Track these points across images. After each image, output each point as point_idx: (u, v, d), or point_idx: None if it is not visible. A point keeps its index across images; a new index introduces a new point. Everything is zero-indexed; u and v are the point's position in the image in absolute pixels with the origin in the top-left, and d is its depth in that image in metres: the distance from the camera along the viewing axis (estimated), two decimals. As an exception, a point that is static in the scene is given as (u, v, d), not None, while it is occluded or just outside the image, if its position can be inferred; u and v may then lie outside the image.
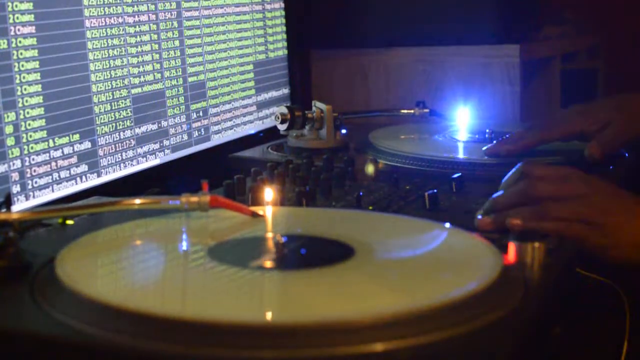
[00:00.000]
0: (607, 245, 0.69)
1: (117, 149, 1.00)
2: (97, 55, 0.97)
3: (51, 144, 0.90)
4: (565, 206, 0.70)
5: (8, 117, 0.85)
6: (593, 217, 0.70)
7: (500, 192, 0.74)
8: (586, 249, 0.70)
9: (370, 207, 0.82)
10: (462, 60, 1.43)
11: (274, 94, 1.34)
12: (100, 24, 0.98)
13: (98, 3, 0.97)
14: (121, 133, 1.01)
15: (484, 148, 1.02)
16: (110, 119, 0.99)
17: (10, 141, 0.85)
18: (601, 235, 0.69)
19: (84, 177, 0.95)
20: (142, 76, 1.04)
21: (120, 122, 1.01)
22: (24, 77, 0.87)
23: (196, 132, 1.15)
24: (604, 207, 0.71)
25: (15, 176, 0.86)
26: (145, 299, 0.55)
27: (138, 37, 1.04)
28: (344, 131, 1.11)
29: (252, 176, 0.92)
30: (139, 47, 1.04)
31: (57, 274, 0.58)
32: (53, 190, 0.91)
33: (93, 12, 0.96)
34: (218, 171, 0.97)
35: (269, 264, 0.62)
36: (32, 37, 0.88)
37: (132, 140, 1.03)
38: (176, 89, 1.11)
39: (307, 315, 0.52)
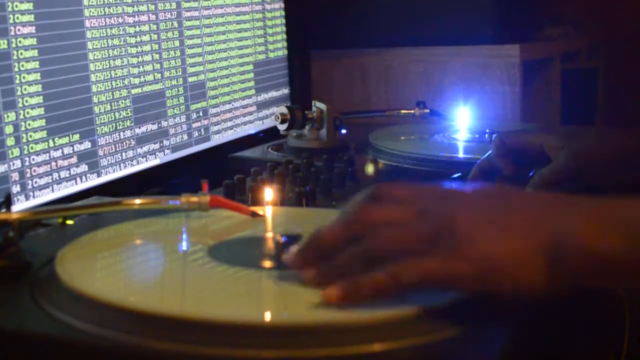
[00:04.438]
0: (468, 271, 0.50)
1: (117, 149, 1.00)
2: (97, 55, 0.97)
3: (51, 144, 0.90)
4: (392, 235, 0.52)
5: (8, 117, 0.85)
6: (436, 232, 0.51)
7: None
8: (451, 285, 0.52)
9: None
10: (462, 60, 1.43)
11: (274, 94, 1.34)
12: (100, 24, 0.98)
13: (98, 3, 0.97)
14: (121, 133, 1.01)
15: None
16: (110, 119, 0.99)
17: (10, 141, 0.85)
18: (437, 256, 0.51)
19: (84, 177, 0.95)
20: (142, 76, 1.04)
21: (120, 122, 1.01)
22: (24, 77, 0.87)
23: (196, 132, 1.15)
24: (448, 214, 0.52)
25: (15, 176, 0.86)
26: (144, 299, 0.55)
27: (138, 37, 1.04)
28: (344, 131, 1.11)
29: (252, 176, 0.92)
30: (139, 47, 1.04)
31: (57, 273, 0.58)
32: (53, 190, 0.91)
33: (93, 12, 0.96)
34: (218, 171, 0.97)
35: (268, 264, 0.62)
36: (32, 37, 0.88)
37: (132, 140, 1.03)
38: (176, 89, 1.11)
39: (307, 315, 0.52)
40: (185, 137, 1.13)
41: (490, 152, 0.88)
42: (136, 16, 1.03)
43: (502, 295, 0.51)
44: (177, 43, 1.11)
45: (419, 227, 0.52)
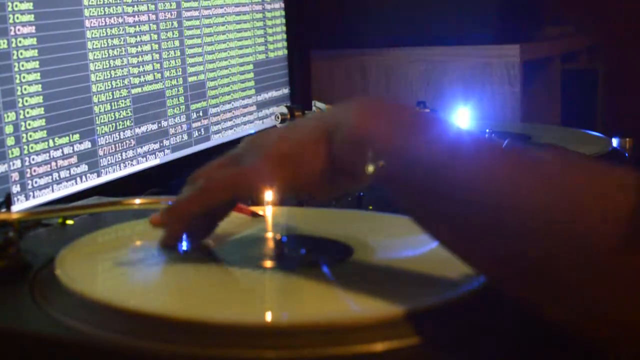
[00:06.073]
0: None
1: (117, 149, 1.00)
2: (97, 55, 0.97)
3: (51, 144, 0.90)
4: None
5: (8, 117, 0.85)
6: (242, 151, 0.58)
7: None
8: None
9: (370, 207, 0.82)
10: (462, 60, 1.43)
11: (274, 94, 1.34)
12: (100, 24, 0.98)
13: (98, 3, 0.97)
14: (121, 133, 1.01)
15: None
16: (110, 119, 0.99)
17: (10, 141, 0.85)
18: (236, 166, 0.58)
19: (84, 177, 0.95)
20: (142, 76, 1.04)
21: (120, 122, 1.01)
22: (24, 77, 0.87)
23: (196, 132, 1.15)
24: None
25: (15, 176, 0.86)
26: (144, 299, 0.55)
27: (138, 37, 1.04)
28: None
29: (252, 176, 0.92)
30: (139, 47, 1.04)
31: (57, 274, 0.58)
32: (53, 190, 0.91)
33: (93, 12, 0.96)
34: (218, 171, 0.97)
35: (268, 264, 0.62)
36: (32, 37, 0.88)
37: (132, 140, 1.03)
38: (176, 89, 1.11)
39: (307, 315, 0.52)
40: (185, 137, 1.13)
41: None
42: (136, 16, 1.03)
43: (286, 187, 0.56)
44: (177, 43, 1.11)
45: (228, 154, 0.60)
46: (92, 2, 0.96)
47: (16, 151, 0.86)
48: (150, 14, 1.06)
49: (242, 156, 0.58)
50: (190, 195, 0.59)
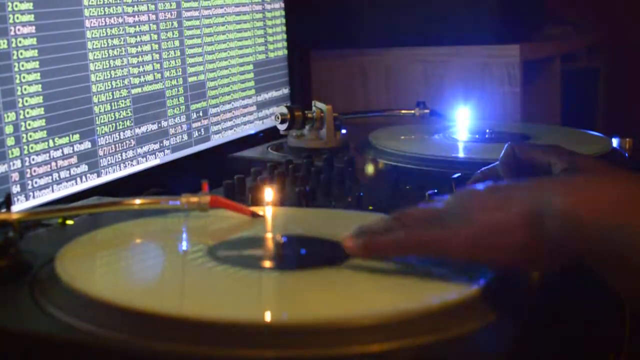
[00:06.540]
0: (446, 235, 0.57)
1: (117, 149, 1.00)
2: (97, 55, 0.97)
3: (51, 144, 0.91)
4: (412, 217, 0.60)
5: (8, 117, 0.85)
6: (438, 214, 0.59)
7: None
8: (427, 249, 0.58)
9: (370, 207, 0.82)
10: (462, 60, 1.43)
11: (274, 94, 1.34)
12: (100, 24, 0.98)
13: (98, 3, 0.97)
14: (121, 133, 1.01)
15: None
16: (110, 119, 0.99)
17: (10, 141, 0.85)
18: (440, 226, 0.57)
19: (84, 177, 0.95)
20: (142, 76, 1.04)
21: (120, 122, 1.01)
22: (24, 77, 0.87)
23: (196, 132, 1.15)
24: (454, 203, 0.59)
25: (15, 176, 0.86)
26: (145, 298, 0.55)
27: (138, 37, 1.04)
28: (344, 131, 1.11)
29: (252, 176, 0.92)
30: (139, 47, 1.04)
31: (57, 272, 0.58)
32: (53, 190, 0.91)
33: (93, 12, 0.96)
34: (218, 171, 0.97)
35: (268, 264, 0.62)
36: (32, 37, 0.88)
37: (132, 140, 1.03)
38: (176, 89, 1.11)
39: (307, 315, 0.52)
40: (185, 137, 1.13)
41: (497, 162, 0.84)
42: (136, 16, 1.03)
43: (484, 261, 0.57)
44: (177, 43, 1.11)
45: (434, 207, 0.60)
46: (92, 2, 0.96)
47: (16, 151, 0.86)
48: (150, 14, 1.06)
49: (445, 216, 0.58)
50: (390, 241, 0.59)
